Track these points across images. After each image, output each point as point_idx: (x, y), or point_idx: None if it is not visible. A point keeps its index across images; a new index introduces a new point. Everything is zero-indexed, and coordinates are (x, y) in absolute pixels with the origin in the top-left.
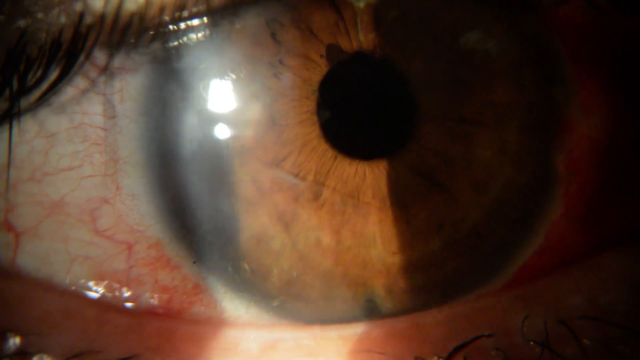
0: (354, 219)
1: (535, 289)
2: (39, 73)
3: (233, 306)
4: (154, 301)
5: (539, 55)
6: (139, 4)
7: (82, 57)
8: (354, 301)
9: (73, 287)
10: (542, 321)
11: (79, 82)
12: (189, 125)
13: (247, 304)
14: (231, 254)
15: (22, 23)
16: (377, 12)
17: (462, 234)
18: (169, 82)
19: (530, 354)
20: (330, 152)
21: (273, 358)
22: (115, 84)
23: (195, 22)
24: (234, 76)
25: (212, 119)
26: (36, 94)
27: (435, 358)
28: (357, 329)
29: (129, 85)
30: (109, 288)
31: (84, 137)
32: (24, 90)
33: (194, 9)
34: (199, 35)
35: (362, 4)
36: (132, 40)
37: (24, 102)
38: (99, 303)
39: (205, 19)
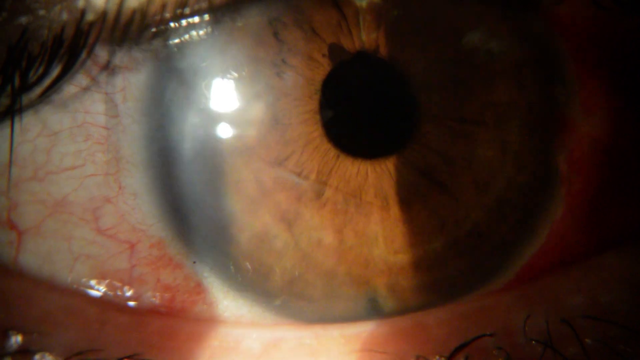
0: (356, 218)
1: (536, 289)
2: (41, 70)
3: (235, 305)
4: (156, 300)
5: (540, 55)
6: (140, 0)
7: (84, 54)
8: (356, 300)
9: (75, 286)
10: (543, 320)
11: (80, 79)
12: (192, 125)
13: (249, 303)
14: (233, 253)
15: (24, 20)
16: (380, 11)
17: (464, 233)
18: (172, 81)
19: (532, 353)
20: (332, 152)
21: (275, 357)
22: (118, 83)
23: (197, 19)
24: (236, 75)
25: (215, 118)
26: (38, 90)
27: (437, 357)
28: (359, 328)
29: (132, 84)
30: (111, 287)
31: (86, 136)
32: (26, 87)
33: (196, 6)
34: (201, 33)
35: (364, 4)
36: (134, 37)
37: (26, 99)
38: (101, 302)
39: (206, 17)
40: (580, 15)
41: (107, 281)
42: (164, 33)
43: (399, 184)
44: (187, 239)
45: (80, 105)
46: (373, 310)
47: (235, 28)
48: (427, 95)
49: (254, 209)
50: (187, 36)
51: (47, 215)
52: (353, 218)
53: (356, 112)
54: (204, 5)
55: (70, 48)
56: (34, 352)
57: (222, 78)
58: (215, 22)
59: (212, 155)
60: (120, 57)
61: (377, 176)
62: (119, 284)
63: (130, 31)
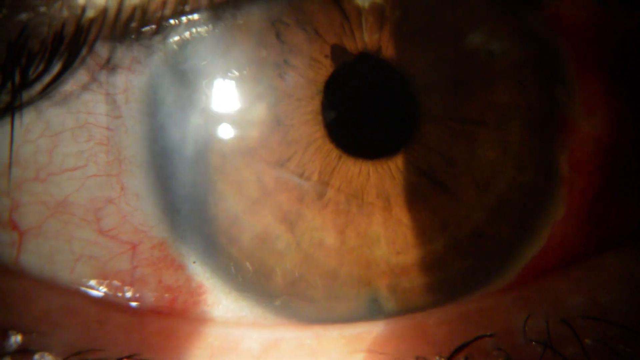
0: (358, 219)
1: (536, 289)
2: (41, 67)
3: (237, 306)
4: (158, 301)
5: (541, 55)
6: None
7: (84, 51)
8: (357, 301)
9: (76, 287)
10: (543, 321)
11: (81, 77)
12: (194, 126)
13: (250, 304)
14: (235, 254)
15: (24, 16)
16: (382, 13)
17: (465, 234)
18: (174, 82)
19: (532, 353)
20: (334, 152)
21: (275, 357)
22: (120, 84)
23: (197, 16)
24: (238, 76)
25: (217, 120)
26: (38, 87)
27: (437, 358)
28: (359, 329)
29: (134, 85)
30: (112, 288)
31: (88, 137)
32: (26, 84)
33: (196, 4)
34: (202, 30)
35: (366, 5)
36: (135, 34)
37: (26, 96)
38: (102, 302)
39: (206, 14)
40: (580, 15)
41: (109, 282)
42: (164, 30)
43: (400, 184)
44: (189, 240)
45: (82, 106)
46: (374, 311)
47: (236, 26)
48: (429, 96)
49: (256, 209)
50: (187, 33)
51: (48, 215)
52: (355, 219)
53: (358, 112)
54: (204, 2)
55: (71, 45)
56: (33, 352)
57: (224, 79)
58: (215, 19)
59: (214, 156)
60: (122, 56)
61: (379, 177)
62: (120, 285)
63: (130, 28)
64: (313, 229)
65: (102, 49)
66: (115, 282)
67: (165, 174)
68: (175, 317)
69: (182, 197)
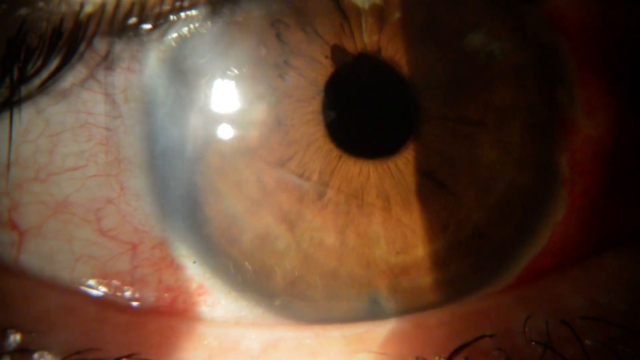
0: (358, 219)
1: (536, 290)
2: (39, 62)
3: (237, 306)
4: (158, 301)
5: (541, 55)
6: None
7: (82, 47)
8: (357, 301)
9: (76, 286)
10: (543, 322)
11: (79, 73)
12: (194, 126)
13: (250, 304)
14: (235, 254)
15: (22, 12)
16: (381, 14)
17: (466, 234)
18: (174, 82)
19: (532, 354)
20: (335, 152)
21: (274, 357)
22: (119, 84)
23: (195, 12)
24: (238, 76)
25: (217, 120)
26: (36, 82)
27: (437, 358)
28: (359, 329)
29: (134, 85)
30: (112, 288)
31: (88, 137)
32: (24, 79)
33: None
34: (201, 27)
35: (366, 6)
36: (133, 30)
37: (25, 91)
38: (101, 302)
39: (205, 9)
40: (580, 15)
41: (109, 282)
42: (163, 26)
43: (400, 184)
44: (189, 240)
45: (82, 105)
46: (374, 311)
47: (235, 24)
48: (429, 96)
49: (256, 210)
50: (186, 30)
51: (48, 215)
52: (355, 219)
53: (359, 112)
54: None
55: (69, 40)
56: (32, 351)
57: (224, 78)
58: (214, 15)
59: (214, 156)
60: (120, 53)
61: (378, 176)
62: (121, 285)
63: (129, 24)
64: (313, 229)
65: (100, 45)
66: (115, 282)
67: (165, 174)
68: (175, 317)
69: (182, 197)
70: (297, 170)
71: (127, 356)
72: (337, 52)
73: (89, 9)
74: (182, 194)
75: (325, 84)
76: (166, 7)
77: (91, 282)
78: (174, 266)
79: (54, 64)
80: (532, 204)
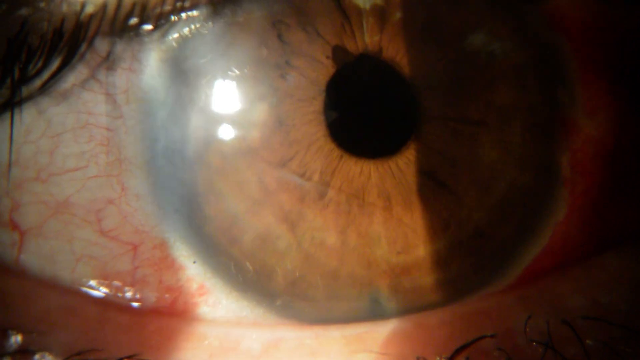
0: (359, 219)
1: (537, 290)
2: (40, 63)
3: (238, 306)
4: (159, 301)
5: (542, 55)
6: None
7: (83, 47)
8: (358, 301)
9: (77, 287)
10: (544, 322)
11: (80, 73)
12: (195, 126)
13: (251, 304)
14: (236, 254)
15: (23, 12)
16: (382, 14)
17: (467, 234)
18: (175, 83)
19: (533, 354)
20: (336, 152)
21: (275, 357)
22: (120, 84)
23: (196, 12)
24: (239, 76)
25: (218, 120)
26: (37, 83)
27: (438, 358)
28: (359, 329)
29: (135, 85)
30: (113, 288)
31: (89, 138)
32: (25, 80)
33: None
34: (202, 28)
35: (367, 6)
36: (134, 30)
37: (26, 92)
38: (102, 302)
39: (206, 10)
40: (581, 15)
41: (109, 282)
42: (164, 26)
43: (401, 184)
44: (190, 241)
45: (83, 106)
46: (375, 311)
47: (236, 24)
48: (430, 96)
49: (257, 210)
50: (187, 30)
51: (49, 216)
52: (356, 219)
53: (360, 112)
54: None
55: (70, 41)
56: (33, 352)
57: (225, 78)
58: (215, 15)
59: (215, 157)
60: (121, 53)
61: (379, 176)
62: (121, 286)
63: (130, 24)
64: (314, 229)
65: (101, 45)
66: (116, 283)
67: (166, 174)
68: (176, 317)
69: (183, 198)
70: (298, 170)
71: (128, 357)
72: (338, 52)
73: (90, 9)
74: (183, 194)
75: (326, 84)
76: (167, 8)
77: (92, 282)
78: (175, 266)
79: (55, 64)
80: (533, 203)
